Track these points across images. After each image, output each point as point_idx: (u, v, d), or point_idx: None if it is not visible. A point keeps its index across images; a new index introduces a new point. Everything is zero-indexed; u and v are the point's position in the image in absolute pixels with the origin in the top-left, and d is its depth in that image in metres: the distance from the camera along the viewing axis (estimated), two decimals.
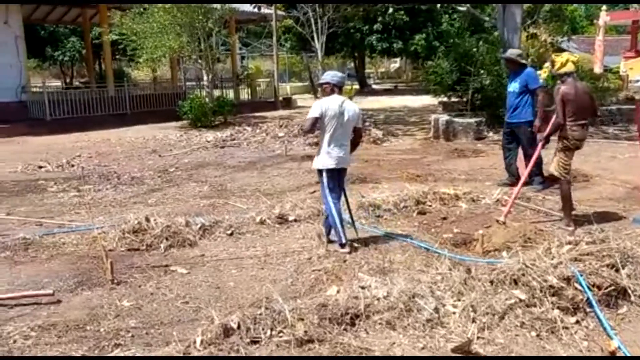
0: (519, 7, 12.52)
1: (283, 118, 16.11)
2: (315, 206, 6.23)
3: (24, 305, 3.99)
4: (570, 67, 5.50)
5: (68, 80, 33.31)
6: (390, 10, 18.81)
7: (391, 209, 6.21)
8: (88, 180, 8.65)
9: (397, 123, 15.61)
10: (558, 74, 5.58)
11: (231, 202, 7.06)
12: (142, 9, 14.73)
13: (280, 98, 21.94)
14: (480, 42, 12.66)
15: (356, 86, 27.27)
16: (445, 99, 13.71)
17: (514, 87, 7.35)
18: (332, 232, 5.12)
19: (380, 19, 24.46)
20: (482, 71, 12.01)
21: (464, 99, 12.75)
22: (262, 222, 5.92)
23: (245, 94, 21.46)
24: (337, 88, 5.07)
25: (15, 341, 3.44)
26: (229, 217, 6.03)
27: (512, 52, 7.69)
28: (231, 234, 5.65)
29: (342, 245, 4.98)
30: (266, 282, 4.40)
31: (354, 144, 5.26)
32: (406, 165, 9.19)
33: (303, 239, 5.41)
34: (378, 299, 3.59)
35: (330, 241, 5.15)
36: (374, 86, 32.49)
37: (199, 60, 16.19)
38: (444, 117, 12.26)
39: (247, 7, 18.80)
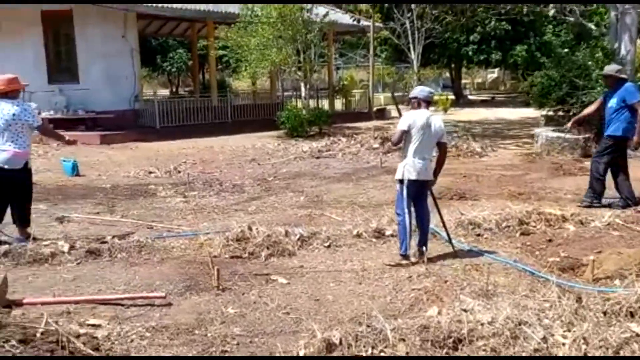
0: (635, 16, 11.74)
1: (377, 129, 16.10)
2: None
3: (139, 305, 4.28)
4: None
5: (174, 89, 35.44)
6: (492, 22, 18.13)
7: (492, 228, 6.03)
8: (193, 186, 9.13)
9: (495, 136, 15.11)
10: None
11: (327, 213, 7.15)
12: (247, 24, 15.32)
13: (374, 109, 21.98)
14: (598, 54, 11.96)
15: (451, 96, 26.74)
16: (550, 113, 13.07)
17: (612, 102, 7.16)
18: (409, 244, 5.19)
19: (479, 29, 23.83)
20: (597, 84, 11.34)
21: (571, 113, 12.09)
22: (358, 236, 5.96)
23: (339, 105, 21.73)
24: (424, 103, 5.30)
25: (132, 340, 3.68)
26: (326, 229, 6.11)
27: (611, 68, 7.52)
28: (328, 246, 5.73)
29: (404, 257, 5.13)
30: (365, 297, 4.42)
31: (440, 161, 5.38)
32: (507, 182, 8.87)
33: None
34: (482, 324, 3.49)
35: (428, 259, 5.10)
36: (470, 97, 31.69)
37: (298, 72, 16.58)
38: (548, 132, 11.71)
39: (347, 19, 19.03)
